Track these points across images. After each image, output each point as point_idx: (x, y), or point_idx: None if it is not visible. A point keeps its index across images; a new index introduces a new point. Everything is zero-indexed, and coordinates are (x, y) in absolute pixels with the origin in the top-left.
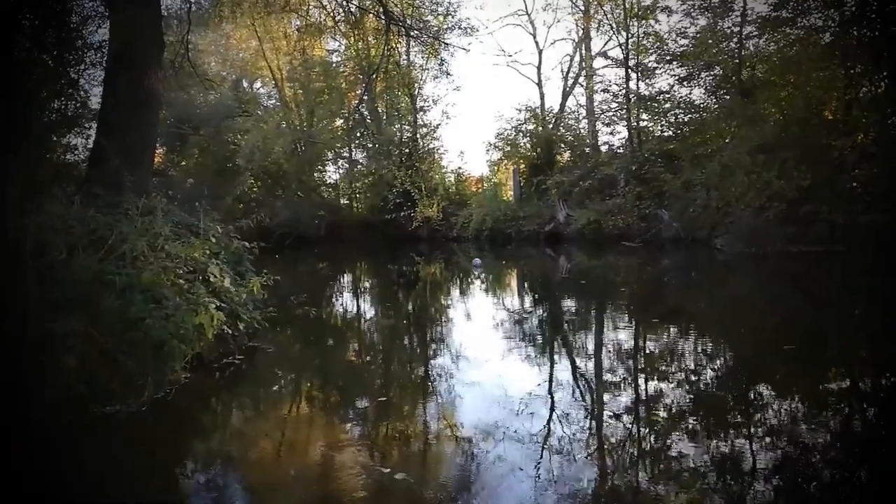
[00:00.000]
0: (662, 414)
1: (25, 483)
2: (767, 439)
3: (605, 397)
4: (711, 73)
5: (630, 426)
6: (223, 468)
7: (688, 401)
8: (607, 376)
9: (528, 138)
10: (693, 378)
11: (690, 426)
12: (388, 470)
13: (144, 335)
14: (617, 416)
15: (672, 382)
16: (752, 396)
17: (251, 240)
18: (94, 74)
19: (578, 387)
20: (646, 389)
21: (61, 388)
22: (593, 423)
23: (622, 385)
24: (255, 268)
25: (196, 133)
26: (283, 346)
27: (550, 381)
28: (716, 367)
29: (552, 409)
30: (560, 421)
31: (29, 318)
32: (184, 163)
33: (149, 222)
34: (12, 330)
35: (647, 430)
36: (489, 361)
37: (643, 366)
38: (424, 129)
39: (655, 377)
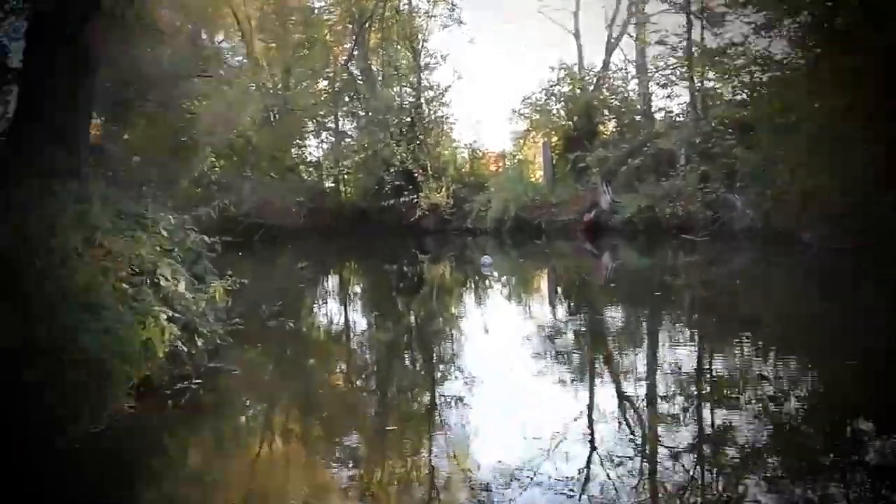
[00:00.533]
0: None
1: None
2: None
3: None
4: (797, 19)
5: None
6: None
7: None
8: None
9: (562, 104)
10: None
11: None
12: None
13: (78, 354)
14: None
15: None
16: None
17: (212, 233)
18: (15, 26)
19: (616, 428)
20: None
21: None
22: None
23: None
24: (218, 268)
25: (143, 99)
26: (252, 367)
27: (581, 419)
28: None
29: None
30: (596, 466)
31: None
32: (127, 136)
33: (83, 212)
34: None
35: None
36: (503, 399)
37: (710, 435)
38: (431, 93)
39: (727, 448)
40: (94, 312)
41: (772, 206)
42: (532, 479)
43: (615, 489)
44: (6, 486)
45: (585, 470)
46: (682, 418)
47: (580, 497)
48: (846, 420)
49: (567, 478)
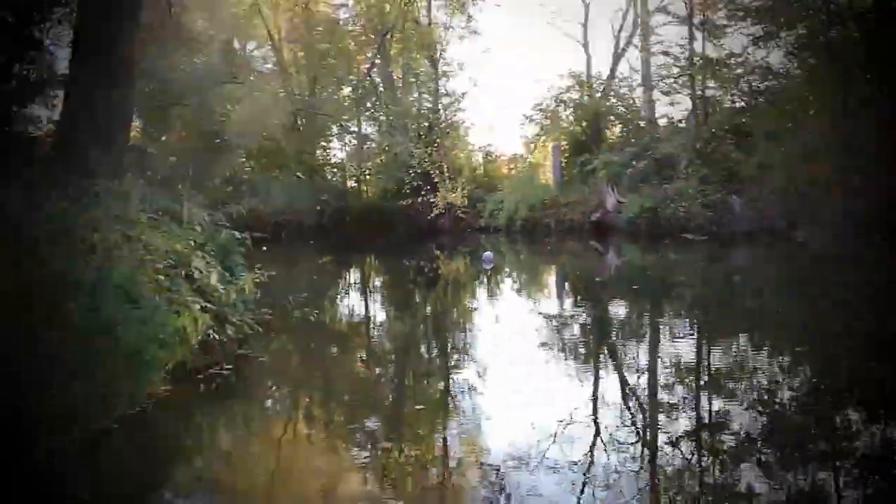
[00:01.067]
0: None
1: None
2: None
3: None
4: (793, 32)
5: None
6: (206, 500)
7: None
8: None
9: (571, 110)
10: None
11: None
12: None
13: (118, 341)
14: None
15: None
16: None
17: (242, 229)
18: (61, 34)
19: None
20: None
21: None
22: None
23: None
24: (247, 262)
25: (179, 103)
26: (278, 355)
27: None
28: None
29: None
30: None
31: None
32: (164, 138)
33: (123, 208)
34: None
35: None
36: (515, 383)
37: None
38: (447, 99)
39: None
40: (133, 302)
41: (768, 207)
42: None
43: None
44: (58, 463)
45: None
46: (680, 406)
47: None
48: None
49: None
